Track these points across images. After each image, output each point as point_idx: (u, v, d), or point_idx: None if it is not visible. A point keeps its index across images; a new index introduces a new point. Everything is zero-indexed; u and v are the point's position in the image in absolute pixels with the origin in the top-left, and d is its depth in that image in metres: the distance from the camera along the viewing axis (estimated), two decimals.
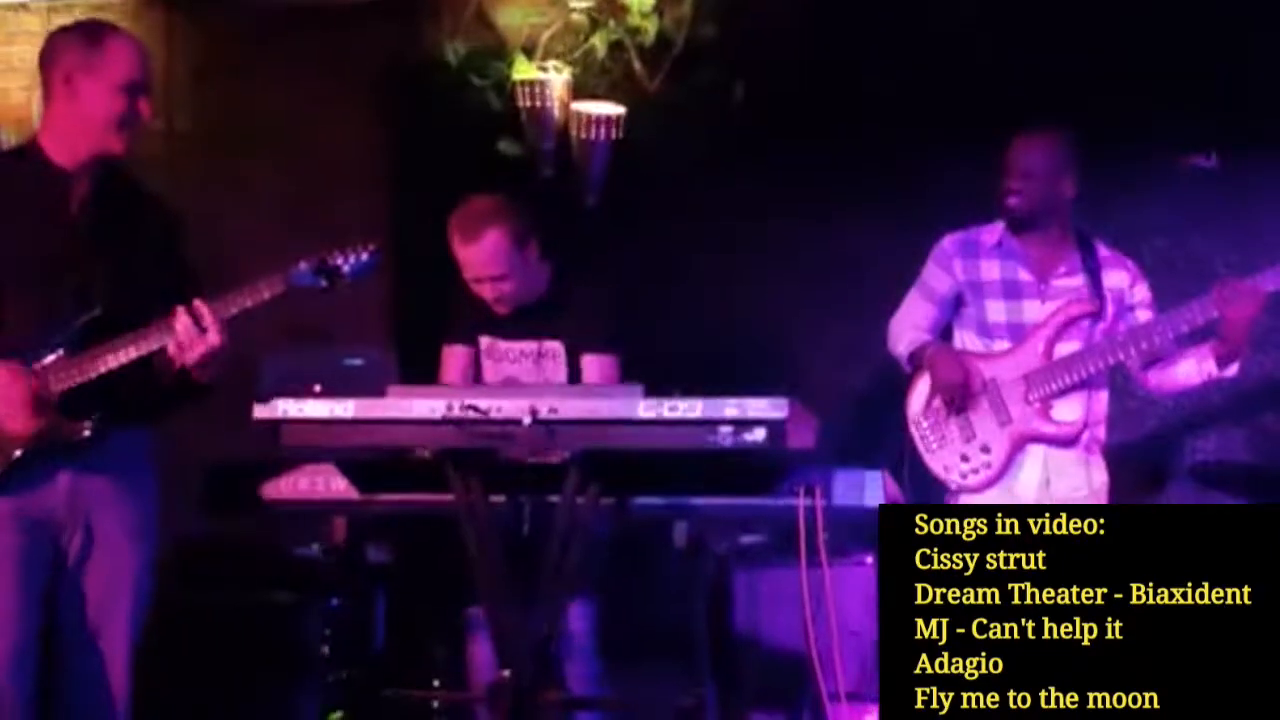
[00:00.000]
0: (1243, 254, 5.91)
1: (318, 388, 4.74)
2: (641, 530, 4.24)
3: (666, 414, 3.72)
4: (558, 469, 3.84)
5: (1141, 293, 4.72)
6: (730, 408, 3.69)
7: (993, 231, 4.77)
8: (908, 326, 4.84)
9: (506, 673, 3.87)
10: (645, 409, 3.74)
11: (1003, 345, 4.67)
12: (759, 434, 3.66)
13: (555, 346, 5.05)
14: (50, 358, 3.80)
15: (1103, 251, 4.74)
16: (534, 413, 3.73)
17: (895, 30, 6.25)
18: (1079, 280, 4.68)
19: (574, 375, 4.99)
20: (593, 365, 4.98)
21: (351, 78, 6.68)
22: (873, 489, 4.09)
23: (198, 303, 3.77)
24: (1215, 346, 4.56)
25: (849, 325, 6.22)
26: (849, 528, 4.66)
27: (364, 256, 3.84)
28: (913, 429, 4.72)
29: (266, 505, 4.34)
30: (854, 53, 6.28)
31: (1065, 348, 4.65)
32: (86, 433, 3.81)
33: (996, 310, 4.70)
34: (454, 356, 5.18)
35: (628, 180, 6.47)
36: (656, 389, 3.80)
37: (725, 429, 3.69)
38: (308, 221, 6.51)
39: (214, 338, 3.77)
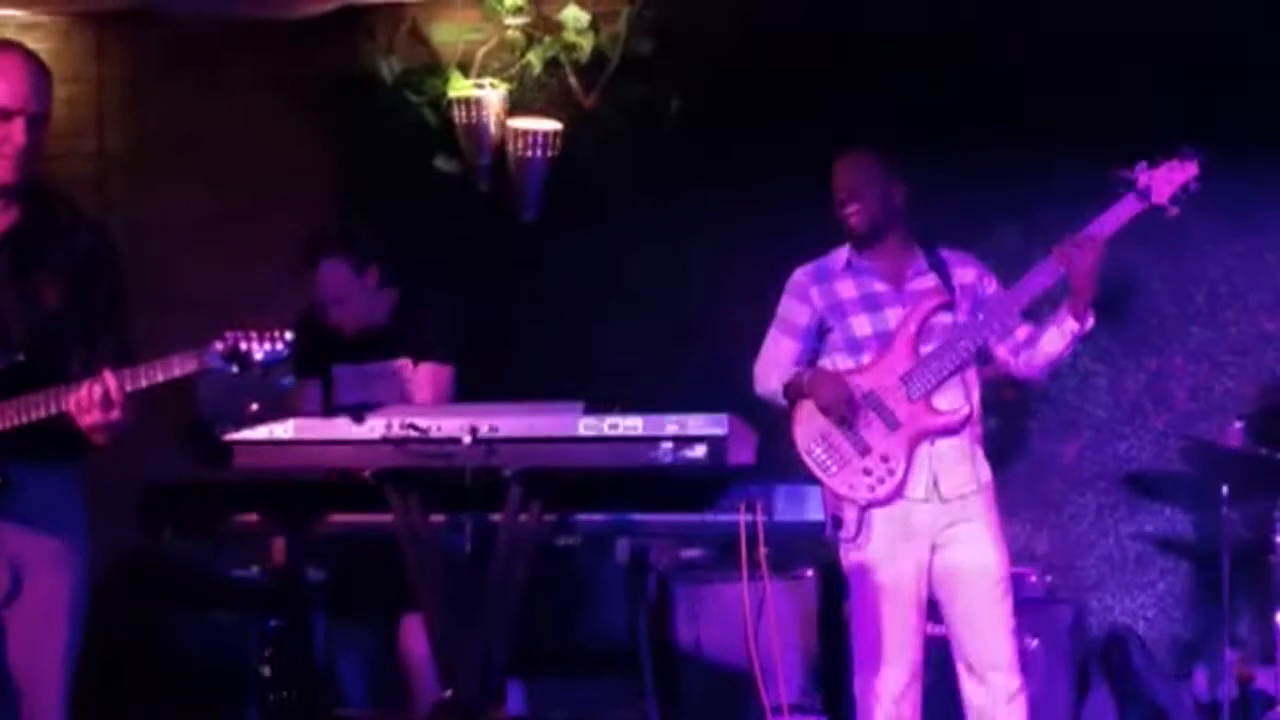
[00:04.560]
0: (1175, 263, 6.01)
1: (254, 407, 4.73)
2: (583, 547, 4.23)
3: (607, 431, 3.74)
4: (499, 487, 3.83)
5: (992, 285, 4.82)
6: (670, 424, 3.71)
7: (839, 255, 4.86)
8: (773, 364, 4.88)
9: (449, 693, 3.87)
10: (585, 427, 3.76)
11: (870, 357, 4.73)
12: (699, 450, 3.69)
13: (402, 364, 5.27)
14: None
15: (944, 252, 4.84)
16: (474, 431, 3.73)
17: (829, 43, 6.30)
18: (930, 279, 4.78)
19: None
20: (426, 372, 5.24)
21: (287, 96, 6.66)
22: (814, 504, 4.11)
23: (108, 375, 3.69)
24: (1070, 305, 4.66)
25: None
26: (790, 542, 4.68)
27: (279, 347, 3.73)
28: (806, 458, 4.72)
29: (206, 526, 4.31)
30: (789, 66, 6.32)
31: (931, 344, 4.71)
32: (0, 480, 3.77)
33: (861, 324, 4.76)
34: (308, 391, 5.33)
35: (565, 196, 6.48)
36: (596, 406, 3.80)
37: (666, 445, 3.71)
38: (242, 240, 6.49)
39: (116, 413, 3.72)
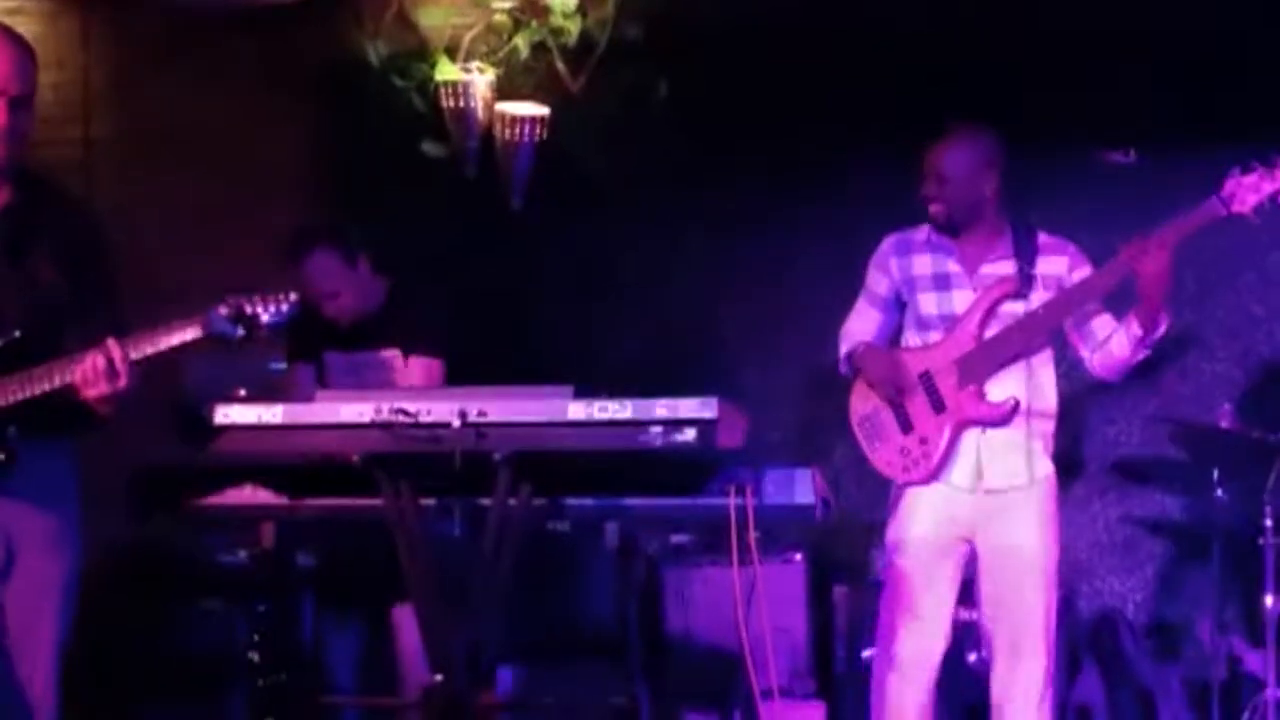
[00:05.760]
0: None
1: (242, 392, 4.72)
2: (572, 531, 4.23)
3: (597, 415, 3.73)
4: (488, 471, 3.82)
5: (1083, 275, 4.71)
6: (660, 408, 3.70)
7: (924, 228, 4.81)
8: (849, 333, 4.88)
9: (439, 677, 3.86)
10: (575, 410, 3.75)
11: (937, 337, 4.71)
12: (689, 434, 3.68)
13: (392, 354, 5.26)
14: None
15: (1042, 238, 4.76)
16: (463, 415, 3.72)
17: (821, 26, 6.28)
18: (1009, 265, 4.71)
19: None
20: (417, 366, 5.23)
21: (273, 81, 6.63)
22: (803, 487, 4.10)
23: (111, 345, 3.69)
24: (1137, 309, 4.60)
25: (776, 324, 6.26)
26: (779, 526, 4.68)
27: (283, 307, 3.73)
28: (857, 430, 4.76)
29: (194, 511, 4.30)
30: (778, 50, 6.30)
31: (996, 331, 4.68)
32: (1, 456, 3.76)
33: (929, 303, 4.73)
34: (300, 375, 5.39)
35: (553, 180, 6.46)
36: (585, 390, 3.79)
37: (655, 429, 3.70)
38: (230, 227, 6.46)
39: (122, 381, 3.71)
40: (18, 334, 3.78)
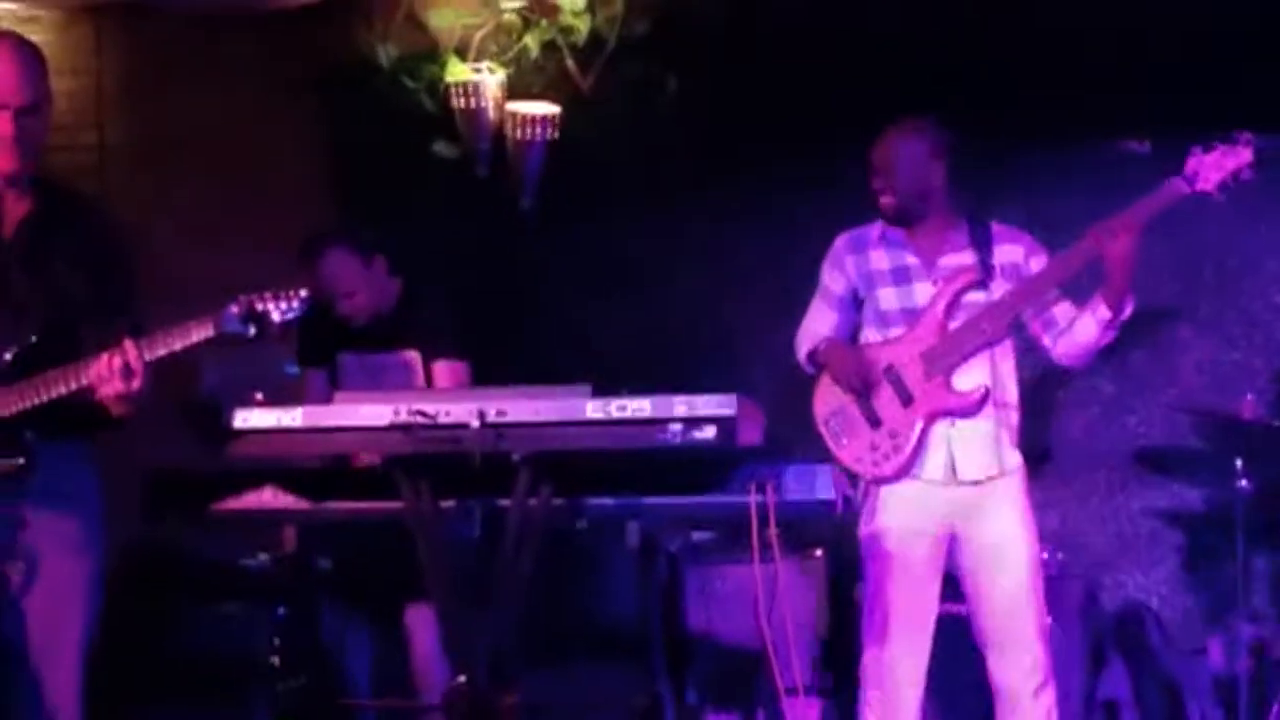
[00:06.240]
0: (1182, 235, 5.97)
1: (259, 395, 4.71)
2: (592, 530, 4.21)
3: (615, 413, 3.70)
4: (508, 472, 3.80)
5: (1040, 263, 4.70)
6: (679, 405, 3.67)
7: (878, 225, 4.80)
8: (808, 333, 4.86)
9: (462, 678, 3.84)
10: (594, 409, 3.72)
11: (899, 332, 4.69)
12: (709, 431, 3.64)
13: (411, 356, 5.24)
14: None
15: (996, 228, 4.75)
16: (482, 416, 3.70)
17: (828, 23, 6.26)
18: (967, 256, 4.69)
19: (429, 382, 5.20)
20: (443, 371, 5.20)
21: (284, 84, 6.64)
22: (824, 483, 4.08)
23: (128, 346, 3.69)
24: (1103, 291, 4.56)
25: (790, 319, 6.23)
26: (800, 522, 4.66)
27: (294, 304, 3.70)
28: (822, 428, 4.72)
29: (214, 515, 4.29)
30: (786, 47, 6.29)
31: (959, 322, 4.66)
32: (21, 461, 3.75)
33: (889, 298, 4.72)
34: (313, 379, 5.37)
35: (564, 179, 6.45)
36: (603, 388, 3.77)
37: (675, 427, 3.66)
38: (243, 229, 6.46)
39: (136, 383, 3.70)
40: (34, 339, 3.78)
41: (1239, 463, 5.33)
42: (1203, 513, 5.97)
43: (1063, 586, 5.60)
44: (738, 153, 6.29)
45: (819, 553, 5.55)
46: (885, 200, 4.69)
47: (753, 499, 3.88)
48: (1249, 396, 5.45)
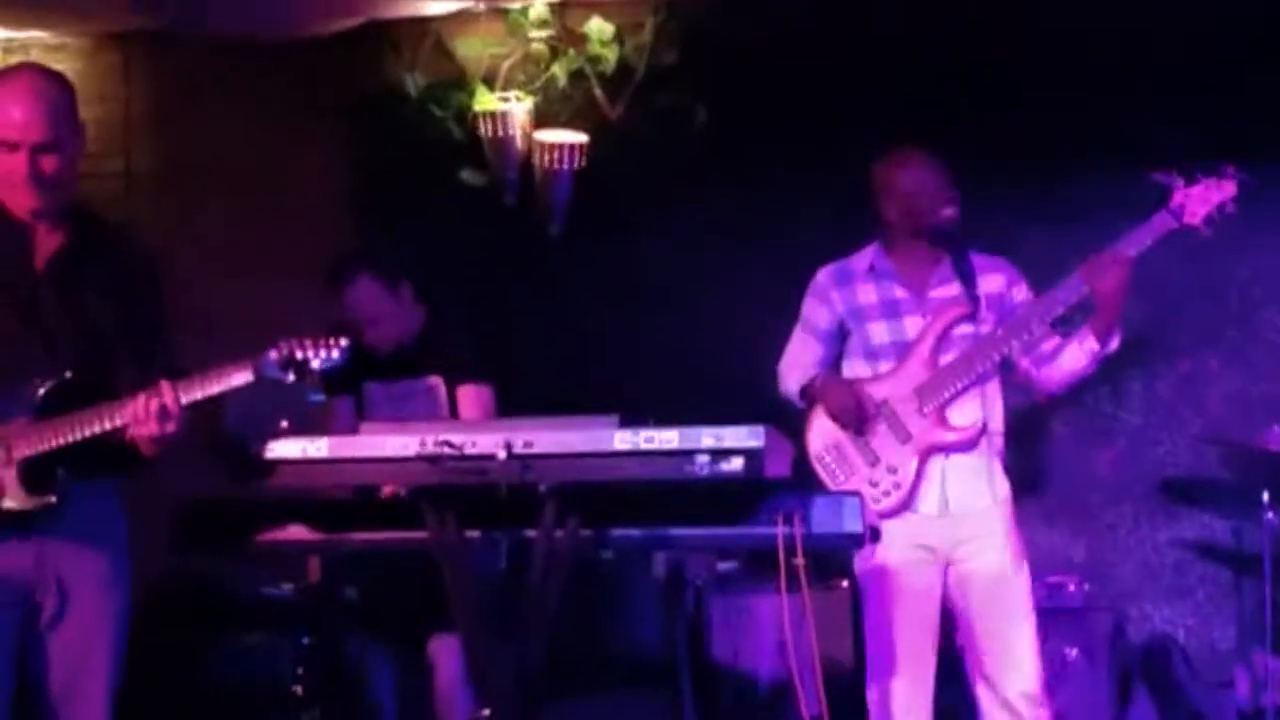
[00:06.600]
0: (1207, 264, 5.95)
1: (284, 424, 4.71)
2: (619, 561, 4.20)
3: (643, 445, 3.68)
4: (534, 503, 3.80)
5: (1022, 293, 4.70)
6: (707, 437, 3.65)
7: (863, 257, 4.79)
8: (794, 365, 4.84)
9: (487, 710, 3.83)
10: (621, 440, 3.70)
11: (889, 366, 4.68)
12: (736, 463, 3.63)
13: (435, 381, 5.24)
14: (15, 421, 3.74)
15: (976, 259, 4.74)
16: (509, 447, 3.69)
17: (857, 51, 6.27)
18: (954, 288, 4.68)
19: (454, 408, 5.20)
20: (468, 396, 5.20)
21: (312, 113, 6.66)
22: (850, 514, 4.06)
23: (165, 389, 3.67)
24: (1093, 324, 4.56)
25: None
26: (827, 554, 4.65)
27: (334, 354, 3.66)
28: (817, 465, 4.70)
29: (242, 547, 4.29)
30: (815, 74, 6.30)
31: (950, 356, 4.65)
32: (52, 499, 3.75)
33: (879, 332, 4.70)
34: (339, 408, 5.32)
35: (592, 208, 6.45)
36: (630, 419, 3.76)
37: (702, 459, 3.64)
38: (270, 257, 6.48)
39: (172, 426, 3.70)
40: (69, 374, 3.77)
41: (1266, 494, 5.31)
42: (1230, 544, 5.93)
43: (1090, 618, 5.58)
44: (768, 180, 6.29)
45: (845, 584, 5.52)
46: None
47: (780, 530, 3.87)
48: (1275, 428, 5.43)
